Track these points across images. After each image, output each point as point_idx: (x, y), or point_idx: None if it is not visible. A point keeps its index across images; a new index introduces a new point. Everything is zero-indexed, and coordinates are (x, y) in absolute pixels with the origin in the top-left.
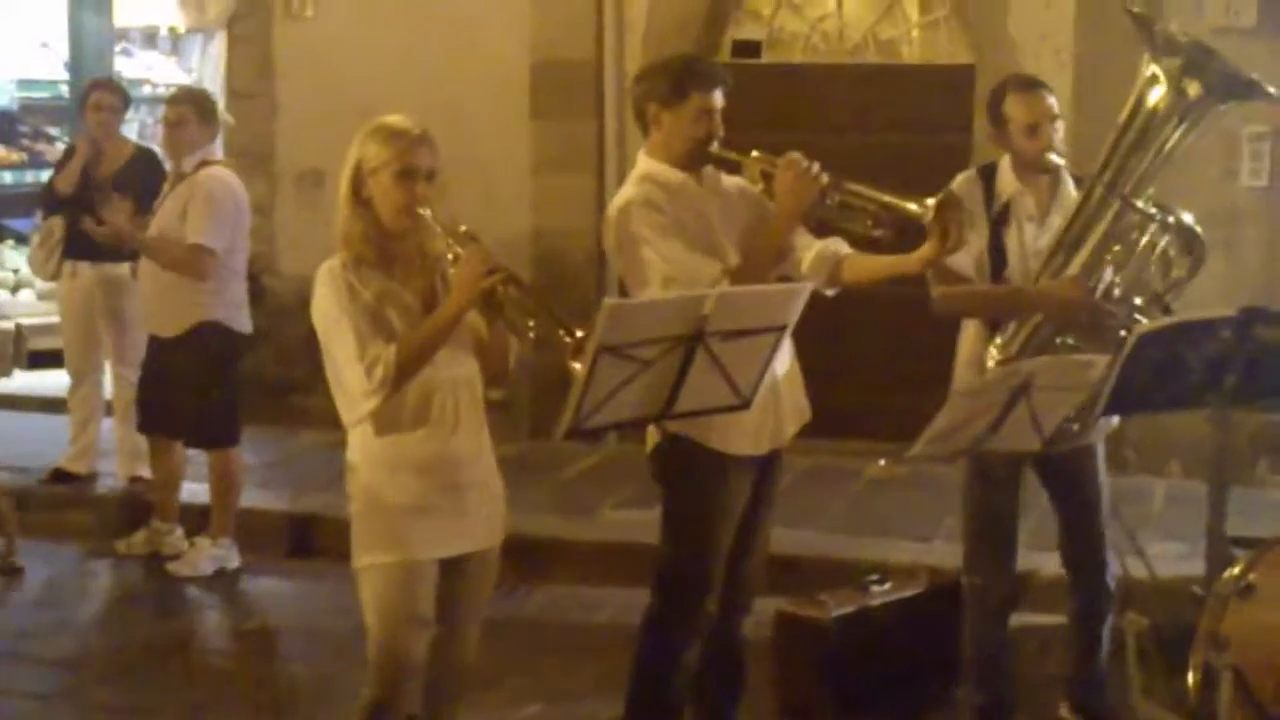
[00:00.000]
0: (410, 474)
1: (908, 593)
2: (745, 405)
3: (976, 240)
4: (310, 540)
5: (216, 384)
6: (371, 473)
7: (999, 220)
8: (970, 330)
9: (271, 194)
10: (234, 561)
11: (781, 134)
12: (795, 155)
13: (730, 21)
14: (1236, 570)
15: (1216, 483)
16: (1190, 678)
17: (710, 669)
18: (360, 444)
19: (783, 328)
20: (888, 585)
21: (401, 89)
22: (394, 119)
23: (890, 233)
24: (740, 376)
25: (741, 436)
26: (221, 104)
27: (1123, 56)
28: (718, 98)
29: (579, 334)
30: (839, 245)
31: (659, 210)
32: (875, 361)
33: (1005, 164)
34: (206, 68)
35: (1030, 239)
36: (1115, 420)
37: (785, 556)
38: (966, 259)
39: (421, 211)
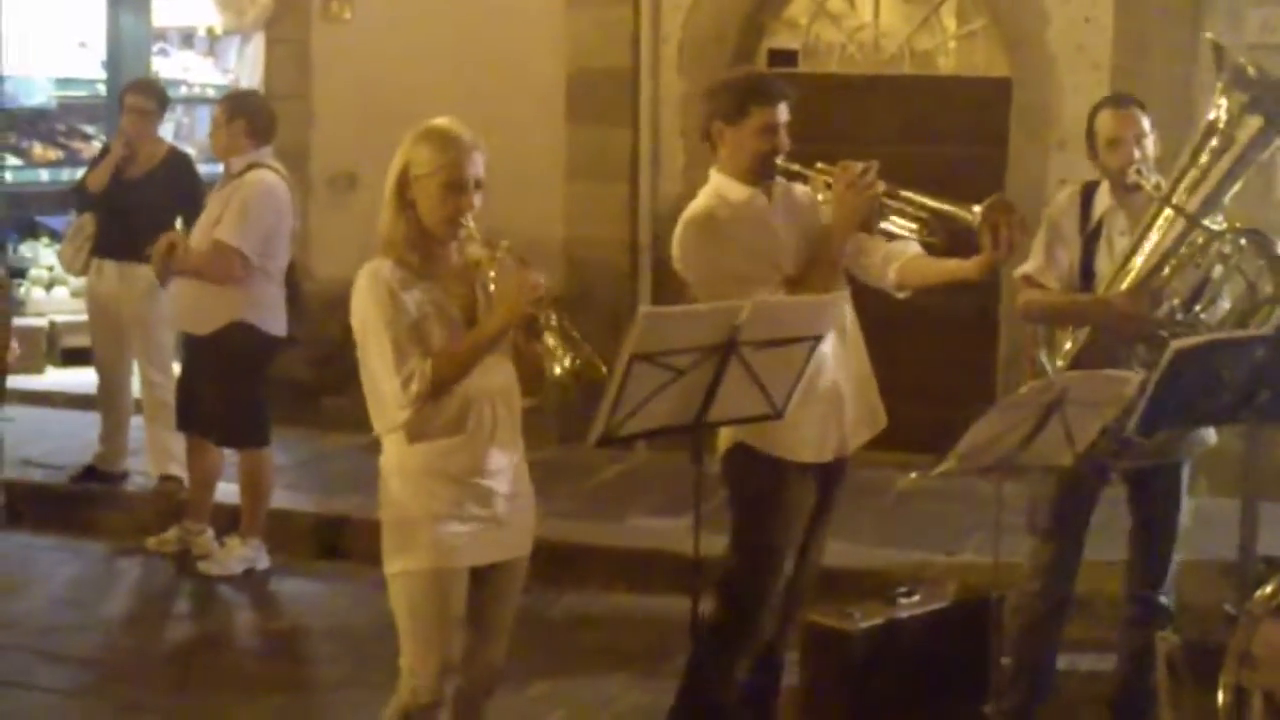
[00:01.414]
0: (444, 482)
1: (936, 606)
2: (778, 415)
3: (1068, 254)
4: (340, 542)
5: (246, 384)
6: (405, 480)
7: (1092, 236)
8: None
9: (305, 196)
10: (263, 562)
11: (816, 144)
12: (848, 164)
13: (767, 31)
14: (1269, 589)
15: (1248, 500)
16: (1221, 697)
17: (751, 678)
18: (394, 451)
19: (817, 338)
20: (916, 598)
21: (437, 93)
22: (447, 123)
23: (942, 240)
24: (774, 386)
25: (801, 444)
26: None
27: (1159, 70)
28: (781, 112)
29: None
30: (905, 247)
31: (717, 232)
32: (909, 373)
33: (1105, 182)
34: (244, 69)
35: (1120, 254)
36: (1211, 438)
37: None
38: (1052, 271)
39: (466, 223)
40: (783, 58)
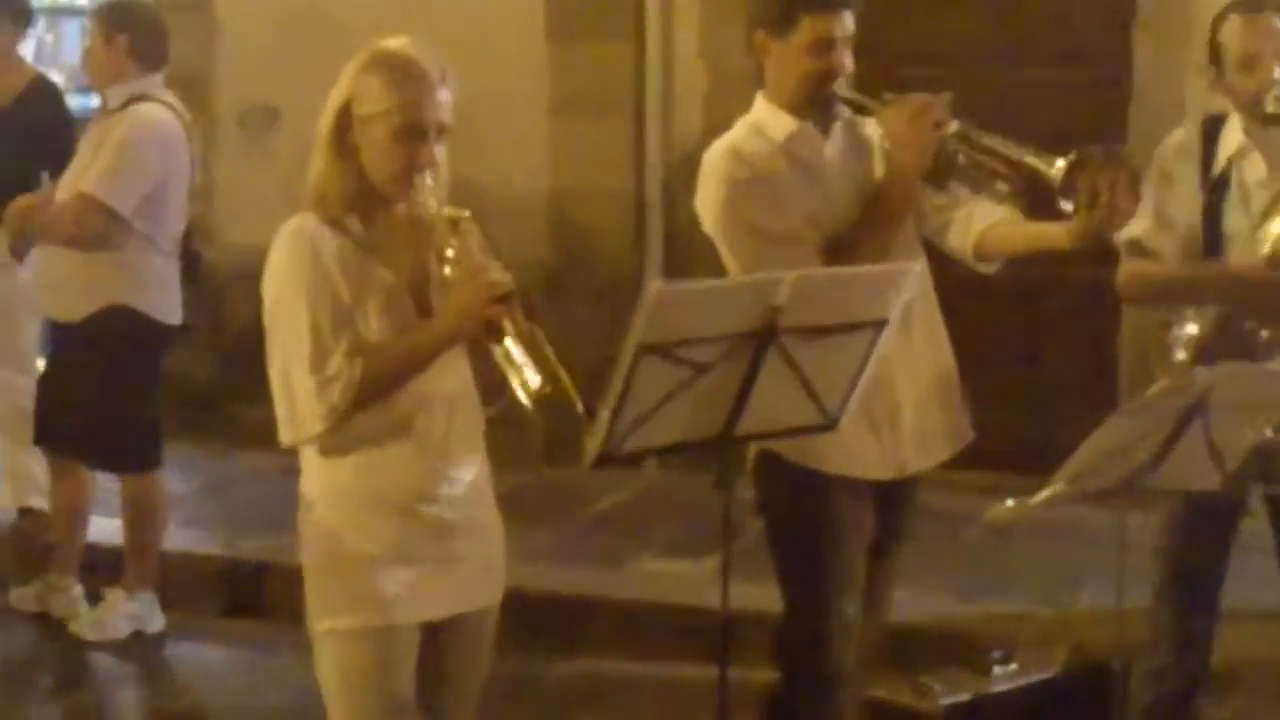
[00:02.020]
0: (383, 512)
1: (1041, 675)
2: (831, 425)
3: (1186, 211)
4: (254, 595)
5: (130, 388)
6: (334, 510)
7: (1218, 186)
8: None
9: (210, 138)
10: (156, 622)
11: (880, 65)
12: (916, 96)
13: None
14: None
15: None
16: None
17: None
18: (318, 470)
19: (880, 323)
20: (1014, 665)
21: (381, 3)
22: (404, 47)
23: (1026, 200)
24: (825, 387)
25: (845, 454)
26: None
27: None
28: (842, 23)
29: (605, 413)
30: (991, 208)
31: (750, 177)
32: (996, 370)
33: (1235, 115)
34: None
35: (1261, 208)
36: None
37: None
38: (1168, 236)
39: (420, 181)
40: None
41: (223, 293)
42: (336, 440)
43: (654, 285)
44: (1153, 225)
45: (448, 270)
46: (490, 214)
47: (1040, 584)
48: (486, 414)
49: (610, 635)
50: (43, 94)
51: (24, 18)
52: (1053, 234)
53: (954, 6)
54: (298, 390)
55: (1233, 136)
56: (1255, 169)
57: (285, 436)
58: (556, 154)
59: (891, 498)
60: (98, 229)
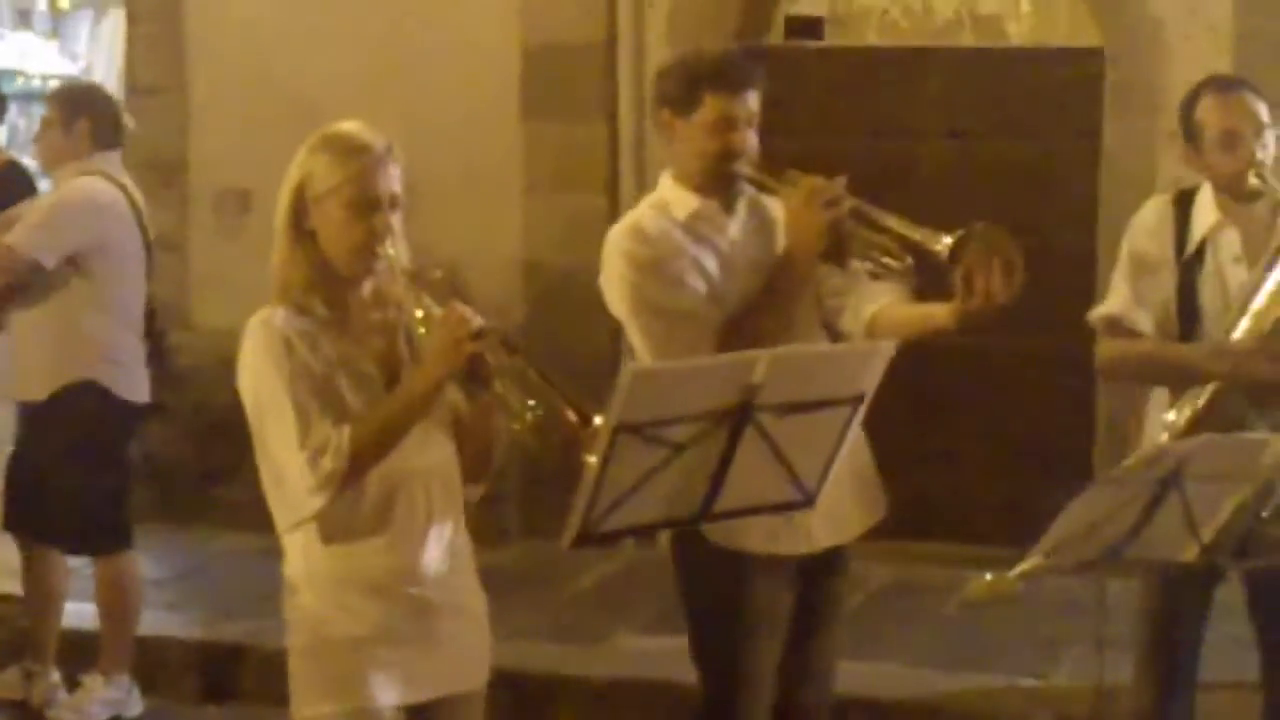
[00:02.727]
0: (366, 595)
1: None
2: (809, 502)
3: (1160, 287)
4: (233, 679)
5: (98, 467)
6: (316, 594)
7: (1192, 262)
8: (1158, 404)
9: (183, 221)
10: (134, 707)
11: (847, 139)
12: (811, 178)
13: None
14: None
15: None
16: None
17: None
18: (301, 556)
19: (858, 398)
20: None
21: (352, 83)
22: (349, 127)
23: (913, 276)
24: (802, 463)
25: (762, 532)
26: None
27: None
28: (747, 102)
29: (596, 420)
30: (878, 290)
31: (650, 254)
32: (973, 441)
33: (1207, 190)
34: (98, 55)
35: (1235, 286)
36: None
37: (859, 698)
38: (1143, 311)
39: (383, 252)
40: (804, 28)
41: (197, 375)
42: (324, 524)
43: (631, 366)
44: (1129, 302)
45: (422, 332)
46: (451, 282)
47: (1020, 655)
48: (472, 495)
49: (591, 712)
50: (16, 177)
51: None
52: (938, 315)
53: (923, 76)
54: (289, 469)
55: (1207, 212)
56: (1230, 245)
57: (283, 522)
58: (530, 230)
59: (815, 573)
60: (21, 280)
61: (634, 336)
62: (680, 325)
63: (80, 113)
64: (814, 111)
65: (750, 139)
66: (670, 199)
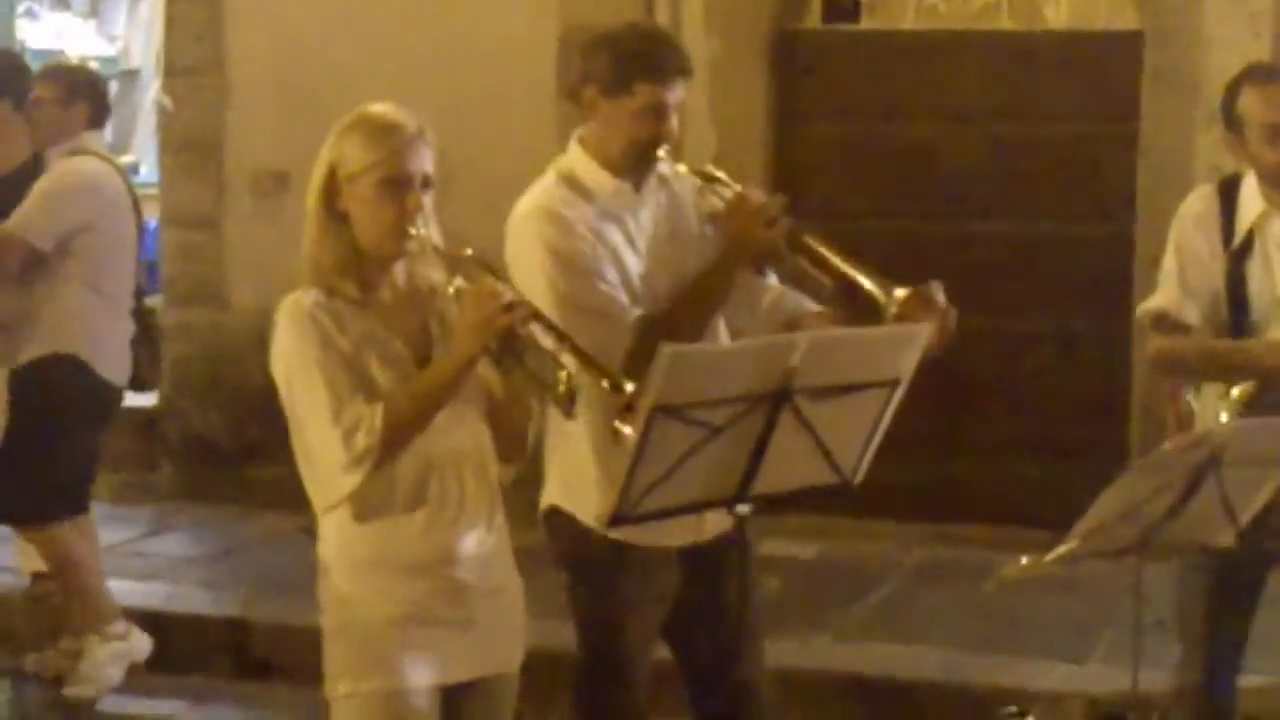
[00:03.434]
0: (401, 576)
1: None
2: (847, 484)
3: (1209, 278)
4: (268, 658)
5: (60, 438)
6: (351, 574)
7: (1240, 252)
8: (1211, 395)
9: (219, 202)
10: (141, 646)
11: (883, 124)
12: (748, 194)
13: None
14: None
15: None
16: None
17: None
18: (336, 535)
19: (895, 382)
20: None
21: (389, 66)
22: (381, 109)
23: (838, 307)
24: (839, 446)
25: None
26: (155, 84)
27: None
28: (675, 91)
29: (629, 387)
30: (798, 301)
31: (564, 227)
32: (1008, 425)
33: (1251, 179)
34: (135, 35)
35: None
36: None
37: (890, 680)
38: (1192, 305)
39: (414, 232)
40: (842, 11)
41: (233, 354)
42: (359, 503)
43: (667, 347)
44: (1178, 295)
45: (454, 311)
46: (484, 262)
47: (1055, 637)
48: (506, 476)
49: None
50: (38, 169)
51: (24, 97)
52: None
53: (960, 59)
54: (323, 449)
55: (1252, 201)
56: (1277, 234)
57: (319, 502)
58: None
59: (705, 558)
60: (15, 266)
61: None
62: (595, 323)
63: (79, 95)
64: (851, 95)
65: (674, 128)
66: (582, 174)
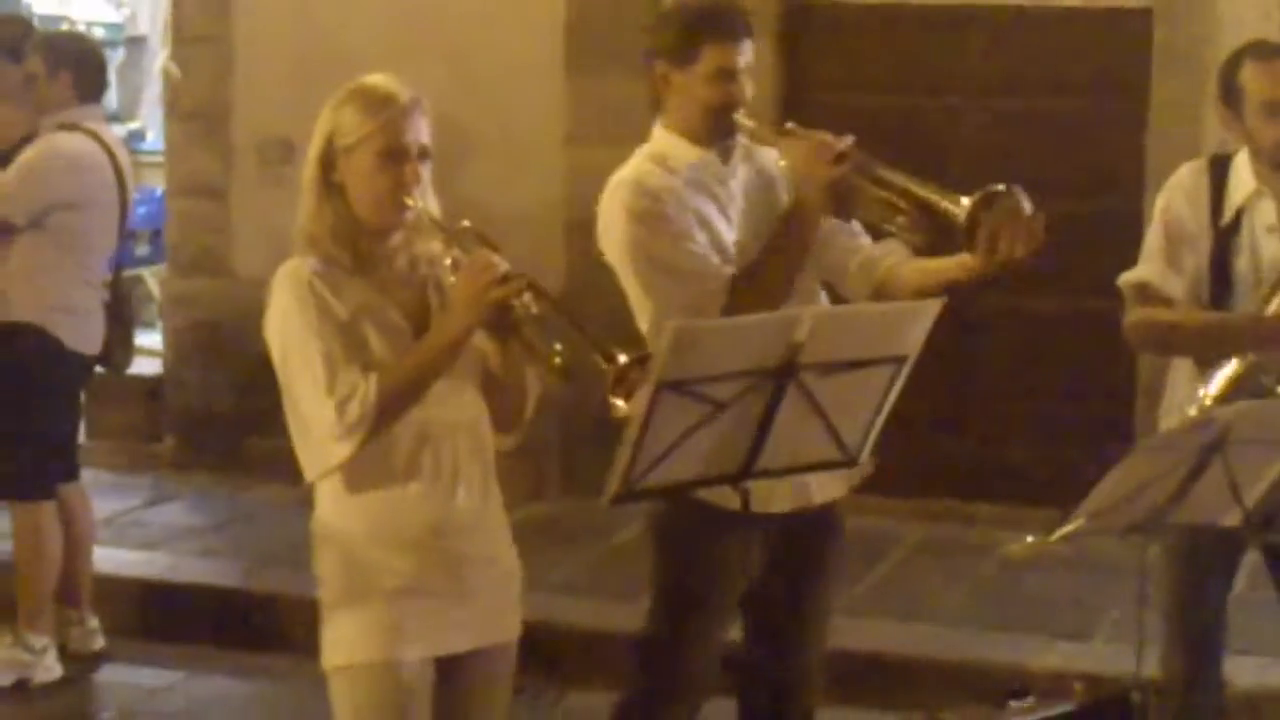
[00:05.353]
0: (395, 547)
1: (1058, 710)
2: (851, 461)
3: (1195, 253)
4: (268, 628)
5: (32, 410)
6: (345, 543)
7: (1228, 230)
8: (1182, 369)
9: (226, 170)
10: (47, 673)
11: (889, 98)
12: (817, 133)
13: None
14: None
15: None
16: None
17: None
18: (330, 506)
19: (901, 359)
20: (1030, 700)
21: (395, 36)
22: (377, 79)
23: (925, 239)
24: (844, 422)
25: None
26: (163, 53)
27: None
28: (745, 52)
29: (622, 359)
30: (890, 248)
31: (651, 207)
32: (1013, 402)
33: (1243, 157)
34: (143, 3)
35: (1269, 256)
36: None
37: (890, 657)
38: (1176, 278)
39: (411, 203)
40: None
41: (237, 323)
42: (353, 473)
43: (672, 323)
44: (1163, 267)
45: (450, 281)
46: (507, 237)
47: (1056, 618)
48: (503, 445)
49: (622, 667)
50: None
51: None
52: (950, 272)
53: (967, 35)
54: (316, 417)
55: (1244, 179)
56: (1266, 214)
57: (311, 471)
58: (572, 185)
59: (804, 532)
60: None
61: (635, 292)
62: (685, 283)
63: (63, 64)
64: (856, 68)
65: (748, 88)
66: (668, 150)
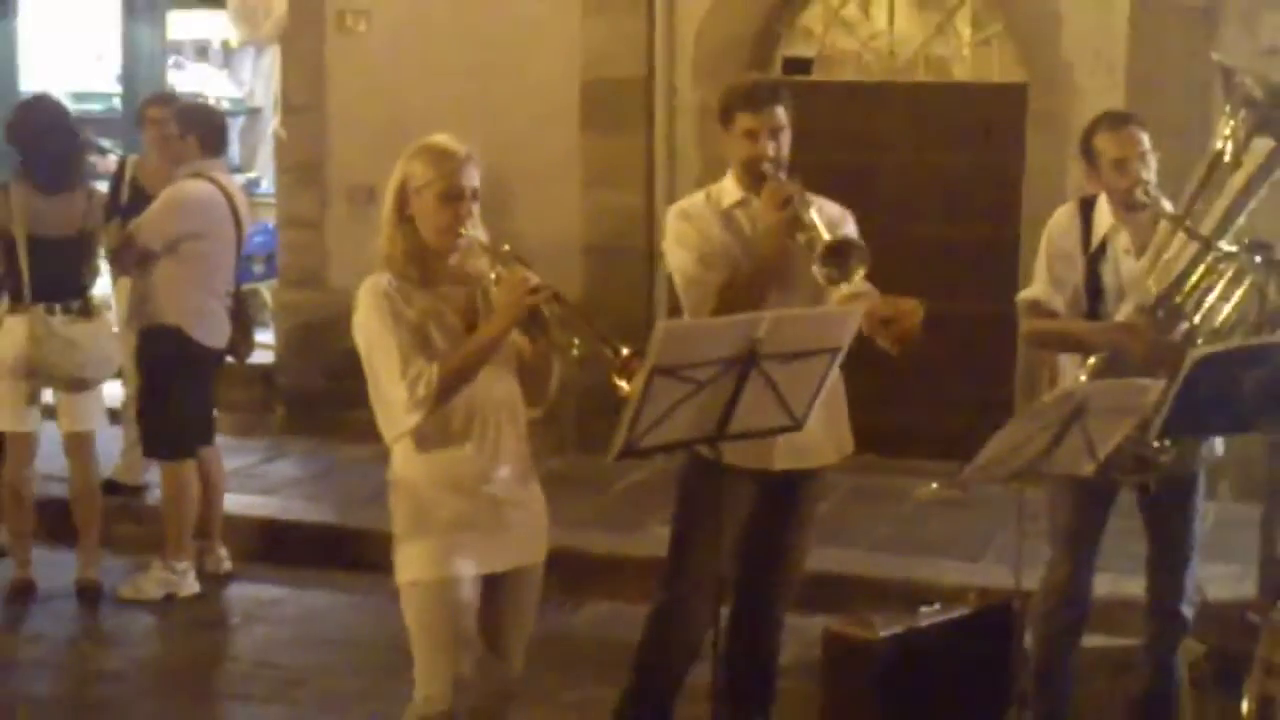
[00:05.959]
0: (451, 491)
1: (957, 614)
2: (798, 426)
3: (1072, 273)
4: (355, 554)
5: (168, 392)
6: (412, 489)
7: (1096, 255)
8: (1071, 360)
9: (322, 208)
10: (188, 588)
11: (831, 153)
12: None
13: (782, 39)
14: None
15: (1270, 508)
16: (1246, 706)
17: (738, 680)
18: (401, 460)
19: (836, 350)
20: (936, 606)
21: (452, 104)
22: (441, 139)
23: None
24: (794, 398)
25: (734, 447)
26: (274, 119)
27: (1177, 73)
28: (768, 117)
29: (625, 351)
30: (861, 289)
31: (688, 227)
32: (927, 382)
33: (1103, 199)
34: (259, 82)
35: (1128, 272)
36: (1219, 449)
37: (830, 574)
38: (1059, 295)
39: (465, 232)
40: (797, 65)
41: (329, 322)
42: (419, 436)
43: (662, 323)
44: (1047, 288)
45: (494, 291)
46: (537, 258)
47: (956, 545)
48: (532, 415)
49: (626, 583)
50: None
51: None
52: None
53: (888, 104)
54: (392, 395)
55: (1105, 216)
56: (1124, 240)
57: (388, 435)
58: (588, 217)
59: (786, 488)
60: (131, 260)
61: (676, 280)
62: (695, 288)
63: (192, 129)
64: (806, 130)
65: (768, 145)
66: (725, 188)
